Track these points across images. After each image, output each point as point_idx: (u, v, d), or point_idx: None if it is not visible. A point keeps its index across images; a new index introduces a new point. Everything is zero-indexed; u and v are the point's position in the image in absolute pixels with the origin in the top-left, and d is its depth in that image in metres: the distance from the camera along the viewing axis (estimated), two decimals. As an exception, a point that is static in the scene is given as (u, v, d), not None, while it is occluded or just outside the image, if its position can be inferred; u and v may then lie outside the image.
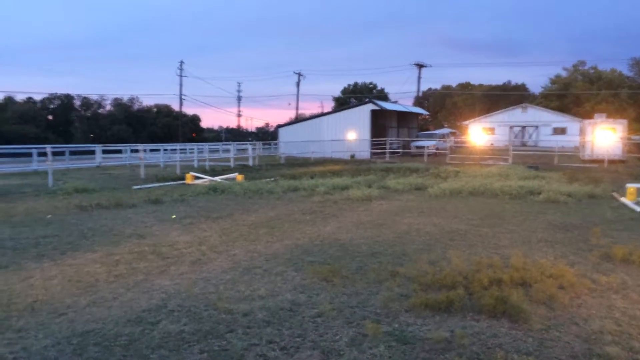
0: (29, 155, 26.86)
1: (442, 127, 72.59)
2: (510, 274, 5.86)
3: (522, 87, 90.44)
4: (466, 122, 67.98)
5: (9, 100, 72.50)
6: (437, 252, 7.43)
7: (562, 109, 69.80)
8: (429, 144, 39.22)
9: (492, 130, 63.81)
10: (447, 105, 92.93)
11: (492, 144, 53.18)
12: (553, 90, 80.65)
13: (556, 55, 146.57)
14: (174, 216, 10.58)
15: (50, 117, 73.72)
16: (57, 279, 6.04)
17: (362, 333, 4.43)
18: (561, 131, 59.45)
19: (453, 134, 53.47)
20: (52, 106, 75.14)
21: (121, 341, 4.26)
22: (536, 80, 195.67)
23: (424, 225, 9.66)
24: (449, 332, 4.45)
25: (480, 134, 59.07)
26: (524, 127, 62.85)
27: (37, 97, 75.07)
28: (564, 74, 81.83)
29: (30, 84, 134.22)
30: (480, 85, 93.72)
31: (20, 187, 16.85)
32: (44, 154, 21.28)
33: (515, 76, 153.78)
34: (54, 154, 19.76)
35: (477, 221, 10.09)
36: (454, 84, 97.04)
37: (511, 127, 63.28)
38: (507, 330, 4.53)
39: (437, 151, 38.67)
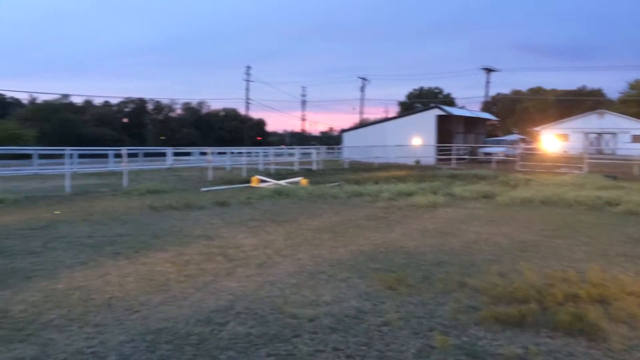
0: (106, 156, 28.27)
1: (511, 133, 70.42)
2: (587, 290, 5.57)
3: (598, 93, 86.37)
4: (537, 128, 65.59)
5: (88, 104, 76.69)
6: (507, 263, 7.18)
7: (642, 115, 66.01)
8: (497, 151, 38.15)
9: (565, 136, 61.26)
10: (517, 111, 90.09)
11: (565, 151, 51.03)
12: (632, 95, 76.56)
13: (635, 59, 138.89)
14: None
15: (125, 120, 77.28)
16: (132, 277, 6.29)
17: (430, 345, 4.34)
18: (641, 139, 56.22)
19: (523, 140, 51.80)
20: (126, 109, 78.83)
21: (191, 340, 4.37)
22: (613, 85, 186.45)
23: (493, 234, 9.38)
24: (522, 348, 4.28)
25: (552, 140, 56.89)
26: (600, 134, 59.92)
27: (114, 101, 78.91)
28: (644, 78, 77.37)
29: (107, 89, 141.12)
30: (553, 90, 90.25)
31: (98, 186, 17.75)
32: (120, 156, 22.31)
33: (590, 81, 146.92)
34: (129, 155, 20.67)
35: (550, 232, 9.69)
36: (524, 89, 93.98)
37: (586, 134, 60.47)
38: (585, 349, 4.30)
39: (506, 158, 37.54)
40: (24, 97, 78.77)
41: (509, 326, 4.74)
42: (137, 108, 78.76)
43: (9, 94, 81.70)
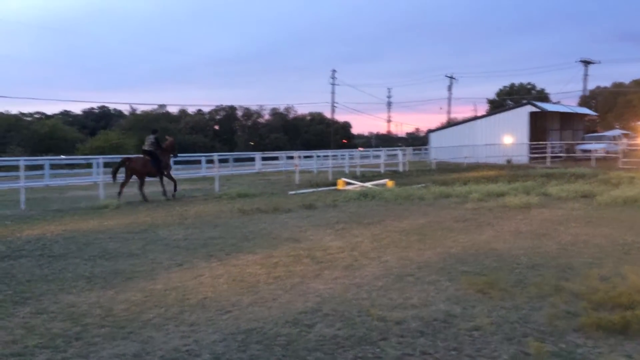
0: (199, 162, 29.57)
1: (612, 128, 65.91)
2: (703, 296, 5.09)
3: None
4: (642, 122, 60.93)
5: (183, 112, 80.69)
6: (609, 266, 6.71)
7: None
8: (597, 147, 35.92)
9: (674, 130, 56.40)
10: (619, 105, 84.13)
11: (674, 146, 47.02)
12: None
13: None
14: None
15: (216, 127, 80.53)
16: (224, 278, 6.52)
17: (524, 351, 4.14)
18: None
19: (626, 135, 48.31)
20: (218, 117, 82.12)
21: (280, 341, 4.46)
22: None
23: (593, 236, 8.81)
24: (626, 357, 3.99)
25: (659, 135, 52.58)
26: None
27: (206, 109, 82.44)
28: None
29: (199, 98, 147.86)
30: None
31: (192, 191, 18.60)
32: (212, 162, 23.26)
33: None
34: (220, 161, 21.50)
35: (658, 233, 8.96)
36: (627, 81, 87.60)
37: (699, 126, 55.33)
38: (700, 361, 3.94)
39: (606, 155, 35.21)
40: (125, 109, 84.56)
41: (611, 333, 4.43)
42: (228, 115, 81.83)
43: (112, 106, 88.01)
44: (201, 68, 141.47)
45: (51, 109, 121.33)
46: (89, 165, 24.95)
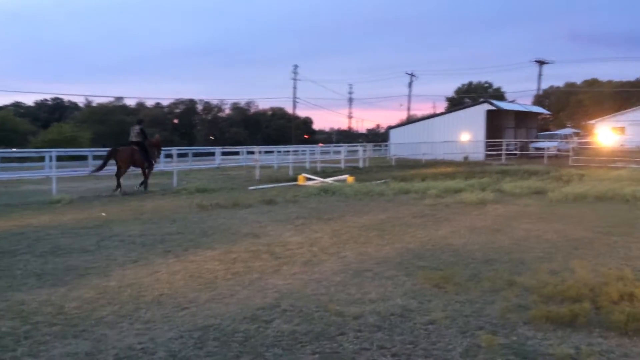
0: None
1: (564, 127, 68.11)
2: (645, 289, 5.32)
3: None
4: (592, 122, 63.09)
5: (141, 105, 79.07)
6: (559, 261, 6.95)
7: None
8: (549, 145, 37.02)
9: (622, 130, 58.61)
10: (571, 104, 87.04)
11: (622, 145, 48.96)
12: (696, 84, 72.65)
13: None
14: (103, 214, 11.27)
15: (175, 121, 79.26)
16: (181, 274, 6.44)
17: (477, 344, 4.25)
18: None
19: (577, 134, 50.07)
20: (177, 110, 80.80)
21: (238, 337, 4.43)
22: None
23: (544, 231, 9.10)
24: (574, 348, 4.14)
25: (608, 134, 54.65)
26: (660, 126, 57.08)
27: (165, 103, 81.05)
28: None
29: (158, 91, 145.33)
30: (609, 82, 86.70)
31: (149, 186, 18.22)
32: (170, 156, 22.88)
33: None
34: (179, 155, 21.17)
35: (605, 229, 9.32)
36: (578, 81, 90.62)
37: (645, 126, 57.74)
38: (642, 351, 4.12)
39: (558, 153, 36.36)
40: (80, 101, 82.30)
41: (560, 326, 4.59)
42: (187, 109, 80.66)
43: (66, 98, 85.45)
44: (160, 60, 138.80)
45: (2, 100, 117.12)
46: (42, 159, 24.14)
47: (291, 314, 4.99)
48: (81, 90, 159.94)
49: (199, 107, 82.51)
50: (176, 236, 8.90)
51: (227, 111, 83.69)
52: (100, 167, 16.46)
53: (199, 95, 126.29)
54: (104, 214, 11.51)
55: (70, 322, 4.81)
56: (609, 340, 4.32)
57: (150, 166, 16.98)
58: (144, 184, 16.73)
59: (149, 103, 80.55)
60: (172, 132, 72.31)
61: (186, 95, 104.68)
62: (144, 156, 16.33)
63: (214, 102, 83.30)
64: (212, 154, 31.71)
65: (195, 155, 33.77)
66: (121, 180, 15.94)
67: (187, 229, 9.62)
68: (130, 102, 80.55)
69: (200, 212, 11.80)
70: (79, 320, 4.84)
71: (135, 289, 5.81)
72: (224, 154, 33.12)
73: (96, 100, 77.06)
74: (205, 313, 5.03)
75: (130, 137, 16.65)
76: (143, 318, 4.91)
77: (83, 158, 28.26)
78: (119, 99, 77.17)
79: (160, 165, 26.12)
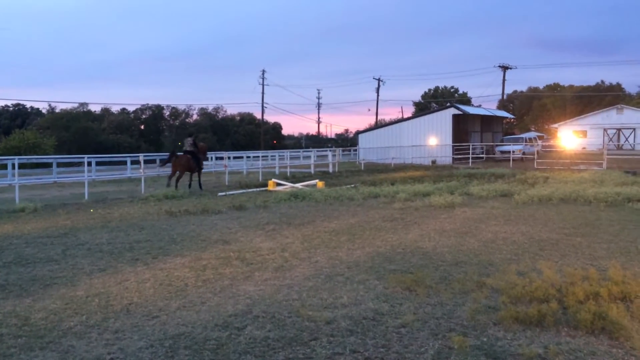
0: (124, 163, 28.53)
1: (528, 130, 69.68)
2: (609, 288, 5.48)
3: (617, 88, 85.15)
4: (555, 125, 64.77)
5: (106, 111, 77.59)
6: (526, 262, 7.10)
7: (663, 109, 64.85)
8: (514, 149, 37.78)
9: (584, 133, 60.37)
10: (534, 108, 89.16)
11: (584, 148, 50.34)
12: (652, 89, 75.20)
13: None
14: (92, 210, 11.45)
15: (142, 127, 78.04)
16: (150, 282, 6.34)
17: (449, 346, 4.30)
18: (662, 133, 55.23)
19: (541, 137, 51.25)
20: (144, 116, 79.54)
21: (210, 345, 4.38)
22: (632, 79, 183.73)
23: (511, 233, 9.28)
24: (542, 348, 4.23)
25: (571, 137, 56.18)
26: (619, 129, 58.96)
27: (131, 108, 79.72)
28: (664, 71, 76.10)
29: (124, 96, 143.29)
30: (571, 86, 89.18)
31: (116, 193, 17.93)
32: (137, 162, 22.51)
33: (609, 76, 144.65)
34: (146, 161, 20.82)
35: (570, 230, 9.56)
36: (541, 86, 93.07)
37: (605, 130, 59.54)
38: (607, 348, 4.23)
39: (523, 156, 37.16)
40: (43, 107, 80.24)
41: (528, 326, 4.68)
42: (154, 115, 79.46)
43: (28, 104, 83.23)
44: (126, 65, 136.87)
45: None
46: (4, 167, 23.45)
47: (263, 320, 4.96)
48: (44, 96, 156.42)
49: (166, 112, 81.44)
50: (145, 244, 8.75)
51: (195, 117, 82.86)
52: (165, 163, 19.88)
53: (166, 101, 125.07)
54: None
55: (36, 333, 4.68)
56: (576, 339, 4.42)
57: (200, 170, 19.75)
58: (199, 184, 19.45)
59: (115, 109, 79.15)
60: (138, 139, 71.17)
61: (153, 100, 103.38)
62: (196, 162, 19.05)
63: (182, 107, 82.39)
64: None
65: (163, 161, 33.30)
66: (172, 180, 18.52)
67: (155, 236, 9.48)
68: (95, 108, 79.11)
69: (169, 218, 11.64)
70: (46, 332, 4.72)
71: (103, 298, 5.70)
72: (192, 159, 32.69)
73: (60, 106, 75.39)
74: (176, 321, 4.96)
75: (185, 147, 19.63)
76: (112, 328, 4.81)
77: (47, 165, 27.61)
78: (84, 104, 75.57)
79: (128, 172, 25.76)
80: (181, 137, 74.64)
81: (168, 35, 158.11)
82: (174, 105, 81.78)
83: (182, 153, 19.11)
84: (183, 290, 6.01)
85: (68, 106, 74.60)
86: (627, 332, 4.45)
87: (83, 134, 61.30)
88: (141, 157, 20.26)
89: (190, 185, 19.11)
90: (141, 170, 19.40)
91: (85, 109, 74.53)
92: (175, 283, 6.30)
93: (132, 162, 26.65)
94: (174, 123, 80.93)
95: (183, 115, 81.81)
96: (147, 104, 79.85)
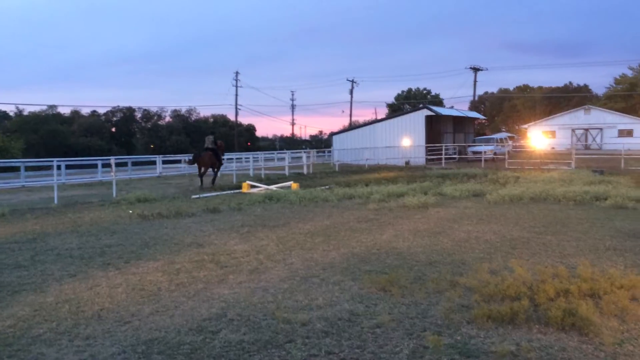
0: (95, 166, 28.05)
1: (499, 131, 70.87)
2: (578, 285, 5.60)
3: (584, 89, 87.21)
4: (525, 126, 66.01)
5: (76, 114, 76.16)
6: (498, 261, 7.20)
7: (628, 110, 66.66)
8: (486, 149, 38.35)
9: (553, 133, 61.69)
10: (505, 109, 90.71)
11: (553, 148, 51.39)
12: (618, 90, 77.29)
13: (620, 55, 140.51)
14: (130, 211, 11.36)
15: (113, 129, 76.84)
16: (122, 287, 6.24)
17: (423, 345, 4.33)
18: (627, 133, 56.81)
19: (511, 138, 52.13)
20: (115, 119, 78.37)
21: (184, 350, 4.33)
22: (599, 81, 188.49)
23: (484, 233, 9.41)
24: (515, 345, 4.29)
25: (540, 137, 57.30)
26: (587, 129, 60.41)
27: (101, 110, 78.44)
28: (629, 73, 78.27)
29: (94, 98, 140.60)
30: (540, 88, 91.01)
31: (87, 197, 17.61)
32: (108, 165, 22.16)
33: (576, 77, 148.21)
34: (117, 165, 20.56)
35: (540, 228, 9.74)
36: (511, 87, 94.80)
37: (573, 130, 60.94)
38: (577, 344, 4.32)
39: (495, 156, 37.74)
40: (10, 109, 78.22)
41: (501, 323, 4.75)
42: (126, 117, 78.32)
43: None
44: (96, 67, 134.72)
45: None
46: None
47: (238, 324, 4.93)
48: (11, 99, 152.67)
49: (138, 114, 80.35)
50: (116, 248, 8.61)
51: (168, 119, 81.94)
52: (192, 163, 21.90)
53: (137, 103, 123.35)
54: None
55: (4, 341, 4.56)
56: (548, 335, 4.50)
57: (220, 166, 22.30)
58: (213, 180, 21.76)
59: (85, 111, 77.72)
60: (109, 141, 70.06)
61: (124, 102, 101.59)
62: (216, 158, 21.49)
63: (154, 109, 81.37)
64: (153, 162, 30.94)
65: (135, 164, 32.88)
66: (202, 177, 21.01)
67: (127, 240, 9.33)
68: (65, 110, 77.54)
69: (141, 222, 11.48)
70: (14, 339, 4.60)
71: (73, 304, 5.58)
72: (165, 162, 32.38)
73: (28, 109, 73.65)
74: (148, 326, 4.89)
75: (206, 144, 21.79)
76: (83, 334, 4.72)
77: (15, 169, 26.98)
78: (52, 107, 74.01)
79: (99, 175, 25.35)
80: (154, 139, 73.90)
81: (140, 37, 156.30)
82: (146, 108, 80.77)
83: (204, 151, 21.40)
84: (156, 294, 5.93)
85: (36, 109, 72.71)
86: (596, 328, 4.55)
87: (52, 136, 60.08)
88: (112, 160, 19.97)
89: (213, 181, 21.77)
90: (112, 173, 19.09)
91: (54, 112, 73.04)
92: (148, 287, 6.21)
93: (104, 165, 26.22)
94: (146, 125, 79.90)
95: (155, 117, 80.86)
96: (118, 106, 78.74)
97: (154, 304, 5.58)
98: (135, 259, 7.79)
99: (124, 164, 30.23)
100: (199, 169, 21.10)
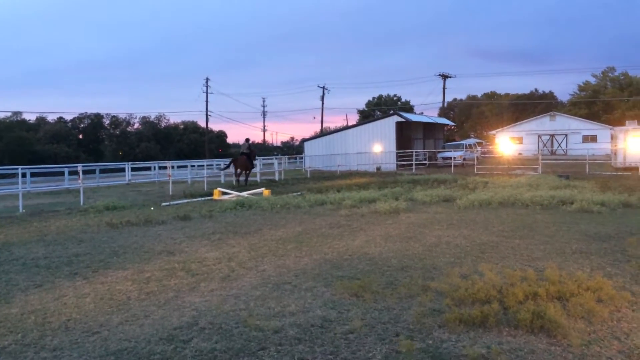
0: (62, 174, 27.44)
1: (468, 137, 71.86)
2: (546, 288, 5.71)
3: (549, 96, 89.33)
4: (493, 132, 67.20)
5: (42, 120, 74.43)
6: (468, 265, 7.30)
7: (592, 116, 68.58)
8: (455, 155, 38.85)
9: (520, 139, 62.92)
10: (473, 115, 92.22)
11: (520, 154, 52.41)
12: (582, 97, 79.46)
13: (584, 63, 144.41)
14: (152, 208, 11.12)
15: (80, 136, 75.33)
16: (90, 297, 6.11)
17: (396, 350, 4.35)
18: (591, 139, 58.30)
19: (480, 144, 52.92)
20: (82, 125, 76.81)
21: (154, 359, 4.26)
22: (564, 88, 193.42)
23: (454, 237, 9.52)
24: (485, 348, 4.35)
25: (508, 143, 58.29)
26: (552, 135, 61.84)
27: (68, 117, 76.83)
28: (592, 80, 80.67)
29: (61, 105, 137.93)
30: (507, 95, 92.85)
31: (53, 205, 17.22)
32: (76, 173, 21.72)
33: (542, 84, 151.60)
34: (85, 172, 20.16)
35: (509, 233, 9.91)
36: (479, 94, 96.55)
37: (539, 136, 62.30)
38: (546, 346, 4.40)
39: (464, 162, 38.27)
40: (-27, 116, 75.96)
41: (472, 327, 4.81)
42: (93, 123, 76.83)
43: (-44, 113, 78.64)
44: (63, 74, 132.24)
45: None
46: None
47: (210, 332, 4.87)
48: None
49: (106, 121, 78.93)
50: (84, 257, 8.44)
51: (137, 125, 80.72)
52: (226, 168, 26.68)
53: (105, 110, 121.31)
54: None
55: (-35, 355, 4.42)
56: (517, 338, 4.58)
57: (252, 168, 25.75)
58: (246, 180, 24.79)
59: (51, 118, 75.99)
60: (77, 148, 68.60)
61: (92, 109, 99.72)
62: (250, 162, 24.92)
63: (122, 116, 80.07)
64: (122, 169, 30.41)
65: (103, 171, 32.30)
66: (238, 178, 24.66)
67: (96, 249, 9.15)
68: (30, 117, 75.68)
69: (110, 230, 11.27)
70: (-24, 353, 4.46)
71: (40, 315, 5.44)
72: (134, 169, 31.88)
73: (-9, 116, 71.63)
74: (118, 336, 4.80)
75: (242, 149, 25.61)
76: (50, 346, 4.60)
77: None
78: (17, 113, 72.19)
79: (66, 182, 24.81)
80: (122, 146, 72.66)
81: (108, 43, 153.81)
82: (114, 114, 79.42)
83: (240, 155, 25.18)
84: (125, 304, 5.83)
85: (0, 115, 70.94)
86: (564, 330, 4.64)
87: (17, 144, 58.52)
88: (79, 167, 19.58)
89: (246, 181, 24.62)
90: (80, 181, 18.72)
91: (19, 118, 71.25)
92: (117, 297, 6.10)
93: (71, 173, 25.69)
94: (114, 132, 78.55)
95: (124, 124, 79.53)
96: (86, 112, 77.17)
97: (123, 313, 5.48)
98: (104, 268, 7.64)
99: (92, 172, 29.65)
100: (235, 170, 24.98)
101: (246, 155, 24.74)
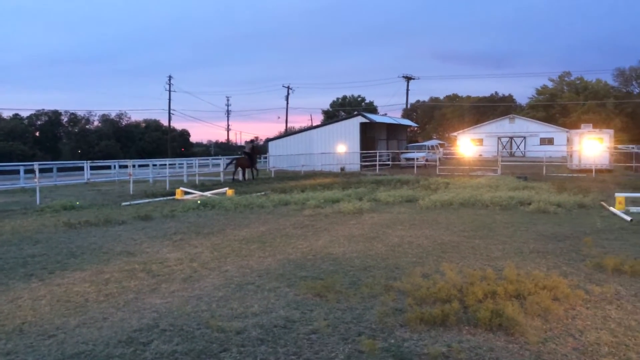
0: (17, 172, 26.56)
1: (431, 138, 72.94)
2: (505, 286, 5.83)
3: (509, 99, 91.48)
4: (455, 134, 68.42)
5: (-5, 117, 71.87)
6: (430, 264, 7.40)
7: (549, 119, 70.62)
8: (418, 156, 39.34)
9: (480, 141, 64.27)
10: (436, 117, 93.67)
11: (480, 155, 53.53)
12: (540, 101, 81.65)
13: (542, 67, 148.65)
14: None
15: (37, 134, 73.15)
16: (46, 299, 5.93)
17: (358, 349, 4.38)
18: (548, 141, 60.08)
19: (442, 145, 53.78)
20: (39, 122, 74.59)
21: (112, 363, 4.17)
22: (523, 91, 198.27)
23: (416, 237, 9.64)
24: (446, 346, 4.41)
25: (468, 145, 59.43)
26: (511, 137, 63.39)
27: (24, 114, 74.50)
28: (550, 84, 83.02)
29: (16, 101, 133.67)
30: (468, 97, 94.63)
31: (8, 205, 16.66)
32: (32, 171, 21.07)
33: (502, 87, 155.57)
34: (42, 170, 19.58)
35: (469, 233, 10.10)
36: (441, 96, 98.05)
37: (499, 138, 63.78)
38: (504, 344, 4.50)
39: (426, 163, 38.79)
40: None
41: (433, 326, 4.88)
42: (51, 121, 74.71)
43: None
44: (19, 69, 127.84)
45: None
46: None
47: (171, 334, 4.80)
48: None
49: (64, 118, 76.85)
50: (40, 258, 8.19)
51: (96, 123, 78.87)
52: (229, 164, 28.90)
53: (64, 107, 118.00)
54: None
55: None
56: (477, 336, 4.66)
57: (254, 165, 28.71)
58: (253, 176, 28.00)
59: (6, 114, 73.53)
60: (33, 146, 66.56)
61: (49, 106, 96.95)
62: (251, 161, 27.98)
63: (81, 113, 78.12)
64: (81, 168, 29.64)
65: (61, 170, 31.42)
66: (237, 175, 27.25)
67: (52, 249, 8.90)
68: (-17, 113, 73.04)
69: (67, 231, 10.98)
70: None
71: (-8, 319, 5.25)
72: (93, 168, 31.12)
73: (-59, 111, 68.80)
74: (75, 339, 4.68)
75: (245, 149, 29.16)
76: (3, 349, 4.45)
77: None
78: (-31, 109, 69.61)
79: (21, 181, 24.04)
80: (81, 145, 70.89)
81: (67, 39, 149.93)
82: (73, 111, 77.40)
83: (241, 155, 28.72)
84: (83, 306, 5.68)
85: (-49, 111, 68.21)
86: (522, 327, 4.75)
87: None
88: (36, 165, 19.01)
89: (253, 177, 27.84)
90: (36, 180, 18.16)
91: (-29, 114, 68.67)
92: (74, 299, 5.94)
93: (26, 171, 24.89)
94: (73, 130, 76.55)
95: (83, 121, 77.62)
96: (43, 109, 74.96)
97: (81, 316, 5.35)
98: (61, 269, 7.44)
99: (49, 170, 28.82)
100: (235, 169, 27.59)
101: (247, 155, 28.09)
